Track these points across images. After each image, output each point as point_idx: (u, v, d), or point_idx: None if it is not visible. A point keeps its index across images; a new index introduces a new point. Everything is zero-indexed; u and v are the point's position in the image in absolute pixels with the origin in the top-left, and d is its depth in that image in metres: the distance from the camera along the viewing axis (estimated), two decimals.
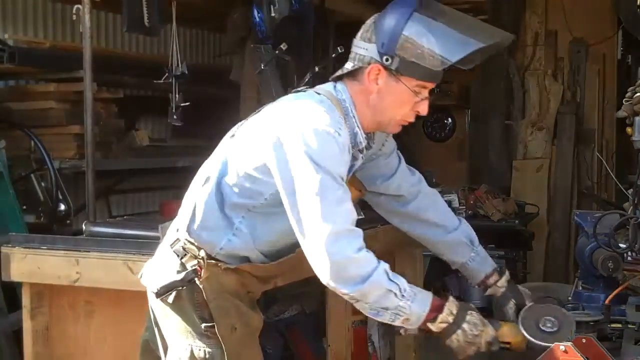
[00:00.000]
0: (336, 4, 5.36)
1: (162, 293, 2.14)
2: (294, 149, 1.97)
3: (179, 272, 2.13)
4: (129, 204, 5.76)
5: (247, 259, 2.15)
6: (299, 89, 2.22)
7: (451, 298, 2.13)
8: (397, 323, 2.05)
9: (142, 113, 5.71)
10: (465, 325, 2.08)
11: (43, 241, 2.97)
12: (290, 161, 1.98)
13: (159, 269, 2.20)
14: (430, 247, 2.49)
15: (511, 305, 2.25)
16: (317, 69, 3.80)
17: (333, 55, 4.10)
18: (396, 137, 2.37)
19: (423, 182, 2.45)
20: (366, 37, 2.10)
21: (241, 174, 2.08)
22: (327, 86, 2.17)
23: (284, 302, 3.68)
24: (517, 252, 5.26)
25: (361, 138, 2.14)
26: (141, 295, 2.38)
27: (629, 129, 2.51)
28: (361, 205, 2.31)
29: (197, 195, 2.15)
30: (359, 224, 2.04)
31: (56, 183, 4.20)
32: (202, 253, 2.11)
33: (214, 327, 2.09)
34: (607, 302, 2.23)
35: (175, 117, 4.15)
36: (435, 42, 2.02)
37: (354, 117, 2.12)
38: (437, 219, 2.42)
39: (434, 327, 2.07)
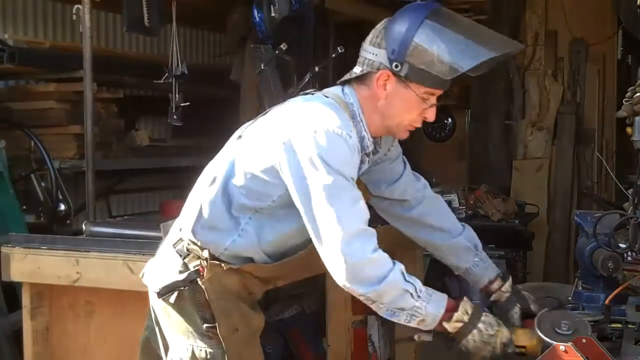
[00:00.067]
0: (336, 4, 5.36)
1: (164, 293, 2.14)
2: (306, 151, 1.98)
3: (181, 272, 2.13)
4: (129, 204, 5.77)
5: (250, 260, 2.15)
6: (307, 91, 2.22)
7: (465, 298, 2.14)
8: (412, 324, 2.05)
9: (142, 113, 5.71)
10: (480, 325, 2.08)
11: (43, 241, 2.97)
12: (303, 163, 1.98)
13: (161, 268, 2.20)
14: (433, 252, 2.48)
15: (516, 310, 2.25)
16: (317, 69, 3.80)
17: (333, 55, 4.10)
18: None
19: (428, 188, 2.45)
20: (376, 42, 2.09)
21: (249, 176, 2.09)
22: (335, 89, 2.17)
23: (284, 302, 3.68)
24: (517, 252, 5.26)
25: (368, 142, 2.15)
26: (141, 295, 2.39)
27: (629, 129, 2.51)
28: None
29: (202, 195, 2.15)
30: None
31: (56, 183, 4.20)
32: (206, 253, 2.11)
33: (216, 327, 2.09)
34: (607, 302, 2.23)
35: (175, 117, 4.15)
36: (446, 50, 2.02)
37: (361, 121, 2.13)
38: (441, 224, 2.41)
39: (449, 326, 2.07)
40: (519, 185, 6.18)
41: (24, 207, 4.12)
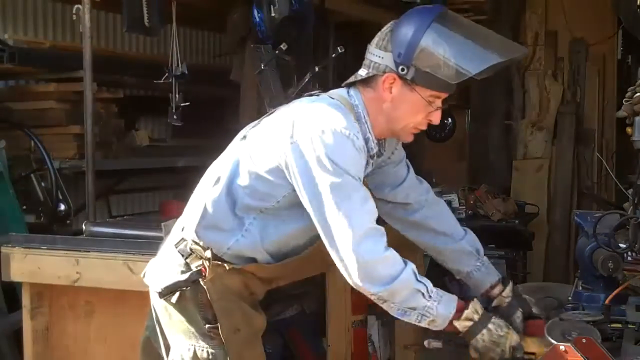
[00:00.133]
0: (336, 4, 5.35)
1: (165, 293, 2.14)
2: (313, 151, 1.98)
3: (183, 272, 2.13)
4: (129, 204, 5.76)
5: (253, 260, 2.15)
6: (313, 92, 2.22)
7: (475, 299, 2.15)
8: (423, 324, 2.05)
9: (142, 113, 5.70)
10: (490, 325, 2.08)
11: (43, 241, 2.97)
12: (311, 163, 1.99)
13: (163, 268, 2.21)
14: (435, 255, 2.48)
15: (518, 315, 2.24)
16: (317, 69, 3.80)
17: (333, 55, 4.10)
18: None
19: (431, 192, 2.45)
20: (382, 45, 2.09)
21: (253, 176, 2.09)
22: (341, 91, 2.18)
23: (284, 302, 3.68)
24: (517, 252, 5.26)
25: (373, 144, 2.15)
26: (141, 295, 2.39)
27: (628, 129, 2.51)
28: None
29: (206, 195, 2.15)
30: None
31: (56, 183, 4.20)
32: (208, 253, 2.11)
33: (218, 327, 2.10)
34: (607, 302, 2.23)
35: (175, 117, 4.15)
36: (453, 54, 2.03)
37: (366, 123, 2.13)
38: (444, 228, 2.41)
39: (459, 325, 2.07)
40: (519, 185, 6.19)
41: (24, 207, 4.11)
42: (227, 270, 2.10)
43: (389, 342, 3.95)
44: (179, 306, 2.14)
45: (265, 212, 2.11)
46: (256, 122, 2.23)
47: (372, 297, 2.03)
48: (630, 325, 2.13)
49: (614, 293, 2.23)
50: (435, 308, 2.03)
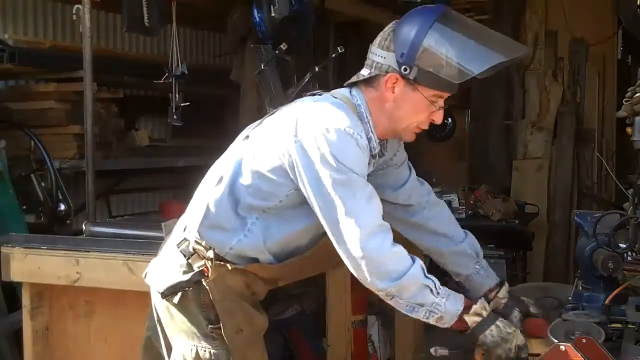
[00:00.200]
0: (336, 4, 5.35)
1: (168, 294, 2.13)
2: (318, 150, 1.98)
3: (185, 272, 2.13)
4: (129, 204, 5.76)
5: (255, 260, 2.15)
6: (315, 92, 2.22)
7: (482, 298, 2.17)
8: (431, 321, 2.06)
9: (142, 113, 5.71)
10: (499, 322, 2.10)
11: (43, 241, 2.97)
12: (315, 162, 1.99)
13: (165, 268, 2.20)
14: (435, 257, 2.48)
15: (516, 314, 2.24)
16: (317, 69, 3.80)
17: (333, 55, 4.10)
18: None
19: (432, 194, 2.46)
20: (384, 45, 2.09)
21: (256, 176, 2.09)
22: (343, 91, 2.18)
23: (284, 302, 3.68)
24: (517, 252, 5.26)
25: (375, 144, 2.16)
26: (141, 295, 2.39)
27: (628, 129, 2.52)
28: None
29: (209, 195, 2.14)
30: None
31: (56, 183, 4.20)
32: (210, 253, 2.10)
33: (220, 328, 2.09)
34: (607, 302, 2.23)
35: (175, 117, 4.15)
36: (455, 54, 2.03)
37: (368, 122, 2.13)
38: (445, 230, 2.42)
39: (469, 319, 2.09)
40: (519, 185, 6.18)
41: (24, 207, 4.11)
42: (230, 271, 2.10)
43: (389, 342, 3.95)
44: (181, 306, 2.14)
45: (268, 211, 2.11)
46: (258, 121, 2.23)
47: (381, 294, 2.03)
48: (630, 325, 2.13)
49: (614, 293, 2.23)
50: (443, 304, 2.04)
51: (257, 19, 4.39)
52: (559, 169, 6.18)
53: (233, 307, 2.11)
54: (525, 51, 2.35)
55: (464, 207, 5.19)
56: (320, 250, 2.22)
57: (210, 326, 2.11)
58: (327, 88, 2.27)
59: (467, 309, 2.09)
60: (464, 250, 2.39)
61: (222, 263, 2.10)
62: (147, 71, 4.69)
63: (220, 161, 2.22)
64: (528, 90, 6.31)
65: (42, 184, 4.27)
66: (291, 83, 3.92)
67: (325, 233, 2.12)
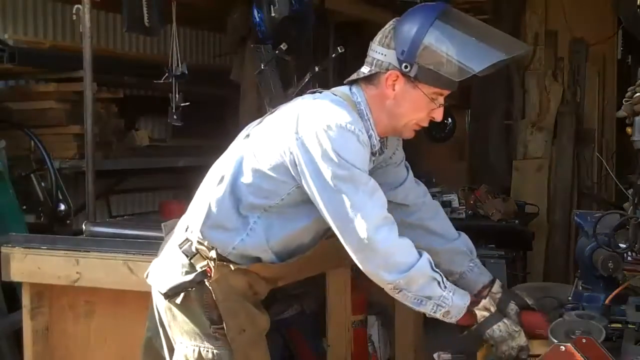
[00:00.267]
0: (336, 4, 5.35)
1: (170, 294, 2.13)
2: (320, 146, 1.99)
3: (188, 273, 2.13)
4: (129, 204, 5.76)
5: (258, 259, 2.15)
6: (315, 90, 2.22)
7: (488, 297, 2.19)
8: (438, 315, 2.07)
9: (142, 113, 5.71)
10: (505, 320, 2.12)
11: (43, 241, 2.97)
12: (317, 158, 1.99)
13: (167, 269, 2.20)
14: (431, 256, 2.49)
15: (512, 307, 2.25)
16: (317, 69, 3.80)
17: (333, 55, 4.10)
18: None
19: (428, 195, 2.47)
20: (385, 42, 2.10)
21: (257, 174, 2.09)
22: (343, 88, 2.19)
23: (284, 302, 3.68)
24: (517, 252, 5.26)
25: (375, 141, 2.16)
26: (141, 295, 2.39)
27: (628, 129, 2.51)
28: None
29: (210, 194, 2.14)
30: None
31: (56, 183, 4.20)
32: (213, 254, 2.10)
33: (223, 328, 2.10)
34: (607, 302, 2.23)
35: (175, 117, 4.15)
36: (456, 52, 2.03)
37: (368, 120, 2.14)
38: (440, 229, 2.43)
39: (479, 313, 2.10)
40: (519, 185, 6.18)
41: (24, 207, 4.11)
42: (232, 271, 2.10)
43: (389, 342, 3.95)
44: (184, 307, 2.14)
45: (270, 210, 2.11)
46: (259, 120, 2.24)
47: (388, 286, 2.03)
48: (630, 325, 2.13)
49: (614, 293, 2.23)
50: (450, 298, 2.05)
51: (257, 19, 4.39)
52: (559, 169, 6.18)
53: (236, 307, 2.11)
54: (526, 49, 2.35)
55: (464, 207, 5.19)
56: (320, 250, 2.22)
57: (213, 326, 2.11)
58: (327, 88, 2.26)
59: (473, 304, 2.10)
60: (459, 248, 2.40)
61: (224, 263, 2.10)
62: (147, 71, 4.69)
63: (221, 160, 2.22)
64: (528, 90, 6.31)
65: (42, 184, 4.27)
66: (291, 83, 3.92)
67: (326, 231, 2.13)
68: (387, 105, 2.13)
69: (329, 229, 2.12)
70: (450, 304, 2.05)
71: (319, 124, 2.01)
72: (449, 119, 6.51)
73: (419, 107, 2.13)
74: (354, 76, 2.18)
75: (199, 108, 4.44)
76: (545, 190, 6.15)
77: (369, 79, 2.14)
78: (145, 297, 2.32)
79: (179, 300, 2.13)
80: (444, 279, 2.06)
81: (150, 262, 2.33)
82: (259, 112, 4.06)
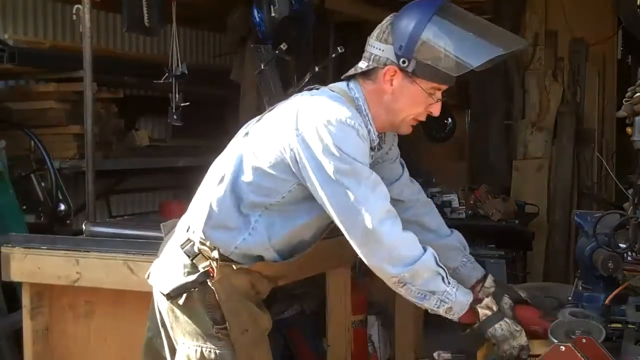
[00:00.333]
0: (336, 4, 5.36)
1: (173, 295, 2.12)
2: (320, 141, 1.99)
3: (190, 273, 2.13)
4: (129, 204, 5.76)
5: (260, 258, 2.15)
6: (312, 86, 2.23)
7: (490, 297, 2.18)
8: (440, 311, 2.06)
9: (142, 113, 5.71)
10: (507, 319, 2.12)
11: (43, 241, 2.97)
12: (319, 153, 1.99)
13: (168, 269, 2.19)
14: None
15: (506, 301, 2.25)
16: (317, 69, 3.80)
17: (333, 55, 4.10)
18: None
19: (422, 193, 2.48)
20: (382, 38, 2.10)
21: (258, 172, 2.09)
22: (341, 84, 2.19)
23: (284, 302, 3.68)
24: (517, 252, 5.26)
25: (374, 136, 2.16)
26: (141, 295, 2.39)
27: (628, 129, 2.51)
28: None
29: (211, 194, 2.14)
30: None
31: (56, 183, 4.20)
32: (215, 254, 2.10)
33: (226, 328, 2.10)
34: (607, 302, 2.23)
35: (175, 117, 4.15)
36: (454, 47, 2.03)
37: (367, 115, 2.14)
38: (434, 225, 2.44)
39: (481, 311, 2.10)
40: (519, 185, 6.18)
41: (24, 207, 4.11)
42: (235, 270, 2.10)
43: (389, 342, 3.96)
44: (186, 307, 2.13)
45: (271, 208, 2.11)
46: (257, 118, 2.24)
47: (392, 280, 2.03)
48: (630, 325, 2.13)
49: (614, 293, 2.23)
50: (454, 294, 2.05)
51: (257, 19, 4.39)
52: (559, 169, 6.18)
53: (238, 307, 2.11)
54: (524, 44, 2.35)
55: (464, 207, 5.19)
56: (320, 250, 2.22)
57: (215, 327, 2.11)
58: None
59: (476, 302, 2.10)
60: (452, 244, 2.41)
61: (227, 263, 2.10)
62: (147, 71, 4.69)
63: (220, 159, 2.22)
64: (528, 90, 6.30)
65: (42, 184, 4.27)
66: (291, 83, 3.92)
67: (328, 227, 2.13)
68: (385, 101, 2.13)
69: (330, 225, 2.13)
70: (453, 299, 2.05)
71: (319, 119, 2.01)
72: (449, 119, 6.51)
73: (417, 102, 2.13)
74: (351, 71, 2.18)
75: (199, 108, 4.44)
76: (545, 190, 6.15)
77: (366, 74, 2.14)
78: (145, 297, 2.32)
79: (181, 301, 2.12)
80: (448, 274, 2.07)
81: (151, 262, 2.33)
82: (259, 112, 4.03)
